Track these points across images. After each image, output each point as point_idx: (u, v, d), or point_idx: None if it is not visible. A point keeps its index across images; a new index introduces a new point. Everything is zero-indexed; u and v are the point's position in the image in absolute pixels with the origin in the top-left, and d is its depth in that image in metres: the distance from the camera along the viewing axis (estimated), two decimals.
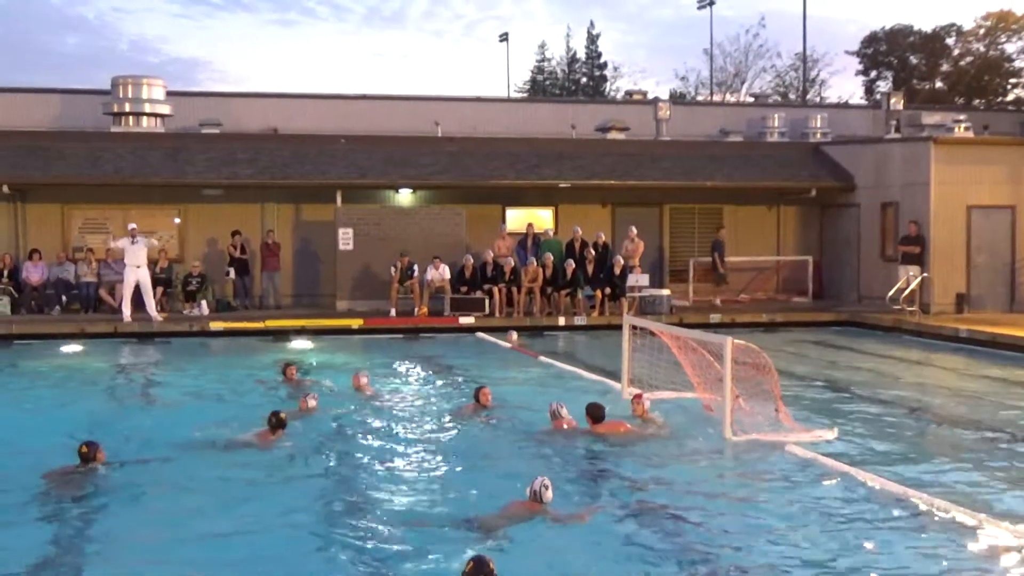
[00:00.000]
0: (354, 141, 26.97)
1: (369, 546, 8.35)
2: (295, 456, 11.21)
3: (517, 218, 26.74)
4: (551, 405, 12.57)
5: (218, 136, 27.13)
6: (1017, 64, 55.88)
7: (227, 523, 8.95)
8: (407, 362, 18.37)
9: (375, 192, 26.12)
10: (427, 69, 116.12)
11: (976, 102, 52.21)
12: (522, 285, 23.65)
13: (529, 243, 24.92)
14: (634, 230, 25.30)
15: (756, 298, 26.25)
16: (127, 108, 27.27)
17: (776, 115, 32.17)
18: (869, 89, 58.78)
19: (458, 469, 10.70)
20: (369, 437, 12.27)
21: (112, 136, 26.49)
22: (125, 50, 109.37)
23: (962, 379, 17.21)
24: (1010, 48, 55.92)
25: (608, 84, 71.93)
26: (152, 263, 23.20)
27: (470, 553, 7.28)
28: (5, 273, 23.47)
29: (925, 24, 68.69)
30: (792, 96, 59.34)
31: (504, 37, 70.93)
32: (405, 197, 26.47)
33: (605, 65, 73.20)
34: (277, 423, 11.80)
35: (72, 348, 19.92)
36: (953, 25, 57.41)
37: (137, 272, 22.16)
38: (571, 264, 23.73)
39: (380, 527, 8.80)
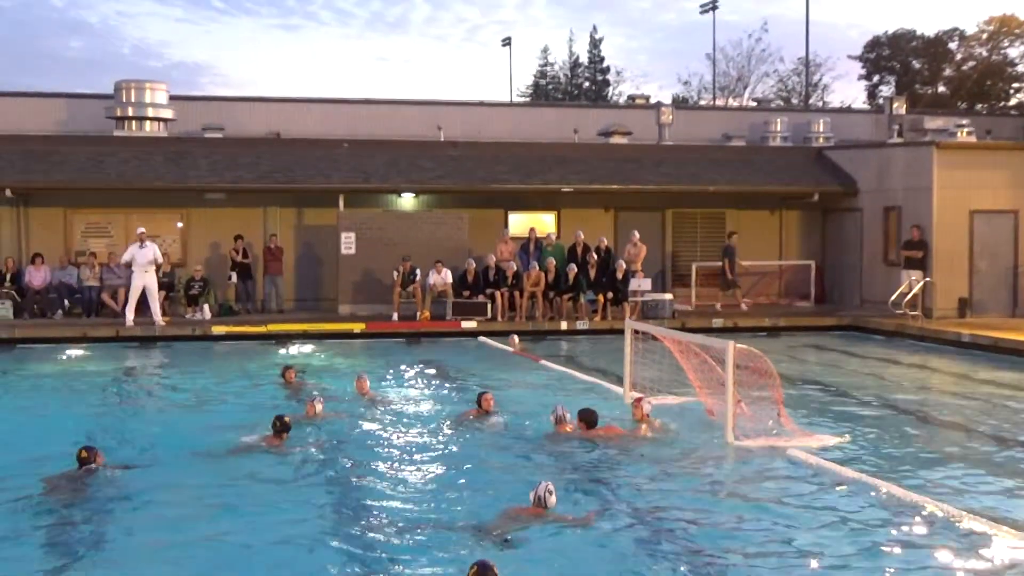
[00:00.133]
0: (357, 145, 26.99)
1: (372, 551, 8.34)
2: (298, 460, 11.21)
3: (519, 222, 26.73)
4: (556, 409, 12.57)
5: (221, 140, 27.14)
6: (1020, 69, 55.84)
7: (229, 527, 8.94)
8: (409, 366, 18.36)
9: (377, 196, 26.13)
10: (430, 74, 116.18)
11: (979, 107, 52.18)
12: (524, 289, 23.64)
13: (531, 247, 24.91)
14: (636, 234, 25.29)
15: (758, 302, 26.21)
16: (130, 112, 27.32)
17: (779, 119, 32.18)
18: (872, 94, 58.75)
19: (461, 474, 10.69)
20: (371, 441, 12.27)
21: (115, 140, 26.52)
22: (128, 54, 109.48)
23: (964, 384, 17.18)
24: (1013, 53, 55.90)
25: (611, 88, 71.93)
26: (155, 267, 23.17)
27: (474, 558, 7.27)
28: (8, 277, 23.48)
29: (928, 29, 68.64)
30: (795, 101, 59.32)
31: (507, 42, 70.86)
32: (407, 201, 26.48)
33: (608, 69, 73.17)
34: (281, 427, 11.79)
35: (74, 352, 19.92)
36: (956, 30, 57.39)
37: (144, 276, 22.16)
38: (573, 268, 23.73)
39: (383, 532, 8.80)
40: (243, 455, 11.39)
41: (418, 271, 23.50)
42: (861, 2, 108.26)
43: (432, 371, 17.99)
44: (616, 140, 29.81)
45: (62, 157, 24.96)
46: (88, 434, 12.29)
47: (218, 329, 22.20)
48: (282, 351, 20.44)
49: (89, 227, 25.53)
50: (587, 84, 72.74)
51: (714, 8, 57.24)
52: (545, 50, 75.72)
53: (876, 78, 59.18)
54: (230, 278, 24.65)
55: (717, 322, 23.40)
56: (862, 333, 23.35)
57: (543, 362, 18.51)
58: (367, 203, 25.84)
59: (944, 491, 10.02)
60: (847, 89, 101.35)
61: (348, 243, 24.50)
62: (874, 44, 58.90)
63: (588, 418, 12.11)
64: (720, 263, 25.89)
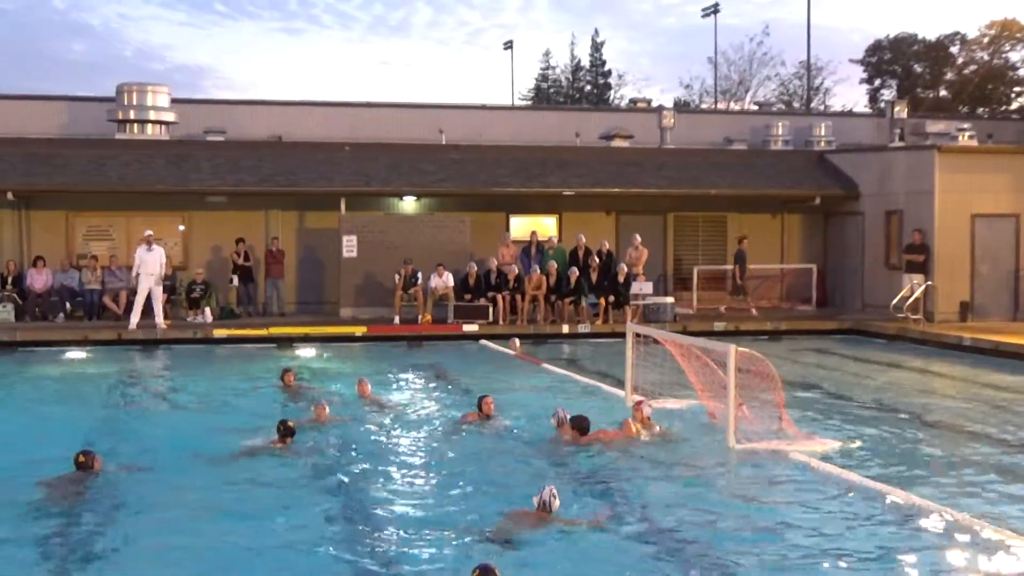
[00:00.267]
0: (358, 149, 27.00)
1: (375, 554, 8.34)
2: (302, 464, 11.20)
3: (521, 226, 26.72)
4: (557, 412, 12.57)
5: (223, 144, 27.15)
6: (1021, 73, 55.83)
7: (231, 531, 8.93)
8: (410, 370, 18.36)
9: (379, 200, 26.14)
10: (432, 77, 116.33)
11: (980, 111, 52.16)
12: (526, 293, 23.64)
13: (533, 251, 24.91)
14: (638, 238, 25.29)
15: (760, 306, 26.20)
16: (132, 115, 27.33)
17: (780, 123, 32.18)
18: (873, 97, 58.75)
19: (463, 477, 10.68)
20: (374, 445, 12.26)
21: (117, 143, 26.53)
22: (130, 57, 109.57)
23: (966, 387, 17.17)
24: (1014, 57, 55.90)
25: (612, 92, 71.98)
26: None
27: (476, 562, 7.28)
28: (9, 280, 23.49)
29: (929, 33, 68.52)
30: (796, 104, 59.32)
31: (508, 45, 70.98)
32: (409, 205, 26.48)
33: (609, 73, 73.23)
34: (286, 431, 11.78)
35: (76, 355, 19.91)
36: (957, 34, 57.39)
37: (151, 280, 22.17)
38: (575, 272, 23.73)
39: (386, 535, 8.79)
40: (247, 459, 11.39)
41: (419, 274, 23.49)
42: (863, 6, 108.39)
43: (433, 374, 17.99)
44: (618, 143, 29.81)
45: (64, 160, 24.97)
46: (90, 437, 12.32)
47: (219, 332, 22.20)
48: (288, 354, 20.42)
49: (91, 230, 25.55)
50: (589, 87, 72.80)
51: (716, 12, 57.34)
52: (547, 53, 75.77)
53: (878, 82, 59.19)
54: (231, 281, 24.65)
55: (719, 325, 23.39)
56: (864, 337, 23.35)
57: (544, 365, 18.51)
58: (369, 206, 25.84)
59: (947, 495, 10.01)
60: (849, 93, 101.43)
61: (350, 246, 24.50)
62: (876, 48, 58.92)
63: (580, 425, 12.07)
64: (732, 267, 25.84)
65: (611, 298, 23.61)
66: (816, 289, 27.36)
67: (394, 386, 16.53)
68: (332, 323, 23.33)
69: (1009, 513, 9.44)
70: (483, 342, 21.93)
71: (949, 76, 57.03)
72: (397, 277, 23.49)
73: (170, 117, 27.72)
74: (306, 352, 20.57)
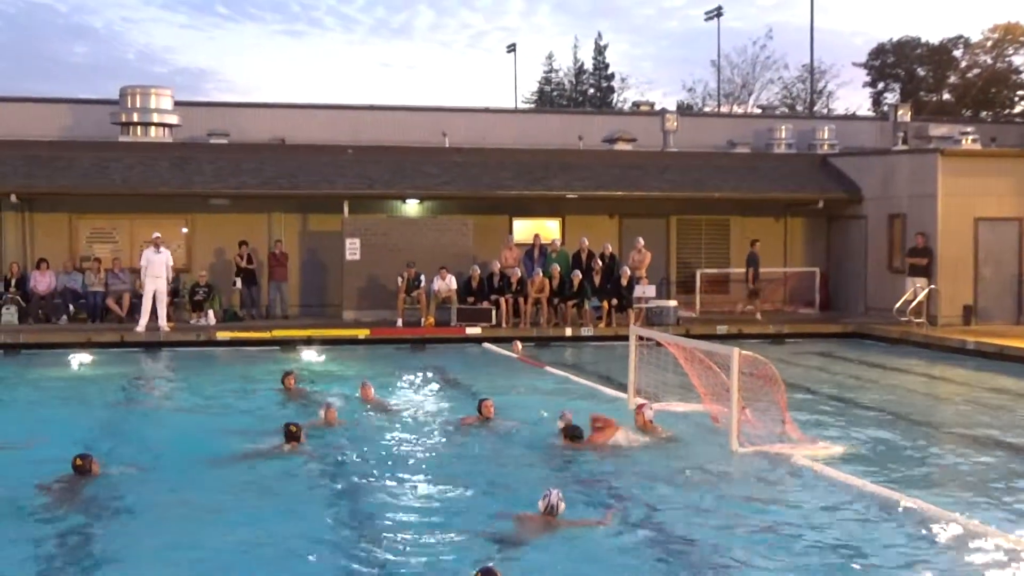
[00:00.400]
0: (361, 151, 27.02)
1: (377, 556, 8.33)
2: (306, 467, 11.19)
3: (524, 229, 26.75)
4: (564, 414, 12.57)
5: (225, 146, 27.19)
6: None
7: (232, 534, 8.91)
8: (413, 372, 18.35)
9: (382, 202, 26.15)
10: (434, 80, 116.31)
11: (983, 114, 52.19)
12: (529, 296, 23.65)
13: (536, 254, 24.93)
14: (641, 241, 25.29)
15: (763, 309, 26.19)
16: (135, 118, 27.38)
17: (783, 126, 32.20)
18: (876, 101, 58.77)
19: (465, 480, 10.66)
20: (377, 448, 12.24)
21: (120, 146, 26.55)
22: (133, 60, 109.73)
23: (969, 391, 17.15)
24: (1017, 60, 55.96)
25: (615, 95, 71.98)
26: None
27: (479, 565, 7.27)
28: (13, 282, 23.50)
29: (932, 36, 68.54)
30: (799, 108, 59.32)
31: (511, 48, 70.99)
32: (412, 207, 26.49)
33: (612, 76, 73.26)
34: (291, 434, 11.77)
35: (79, 358, 19.92)
36: (960, 37, 57.43)
37: (157, 282, 22.19)
38: (578, 275, 23.74)
39: (388, 538, 8.78)
40: (252, 461, 11.37)
41: (423, 277, 23.51)
42: (866, 10, 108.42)
43: (436, 377, 17.98)
44: (621, 147, 29.82)
45: (67, 163, 25.00)
46: (92, 439, 12.32)
47: (223, 335, 22.21)
48: (291, 356, 20.41)
49: (94, 232, 25.58)
50: (592, 91, 72.82)
51: (719, 15, 57.34)
52: (550, 57, 75.82)
53: (881, 85, 59.22)
54: (235, 284, 24.67)
55: (722, 329, 23.39)
56: (867, 340, 23.34)
57: (547, 368, 18.51)
58: (372, 209, 25.86)
59: (950, 499, 9.99)
60: (852, 96, 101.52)
61: (353, 249, 24.52)
62: (879, 51, 58.94)
63: (572, 433, 12.01)
64: (745, 270, 25.79)
65: (614, 301, 23.61)
66: (819, 292, 27.36)
67: (397, 389, 16.54)
68: (335, 326, 23.34)
69: (1013, 517, 9.42)
70: (485, 345, 21.93)
71: (952, 80, 57.05)
72: (400, 280, 23.49)
73: (173, 120, 27.76)
74: (309, 355, 20.55)
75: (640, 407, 12.98)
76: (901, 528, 9.11)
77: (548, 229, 26.82)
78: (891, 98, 56.21)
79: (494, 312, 23.22)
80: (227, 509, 9.65)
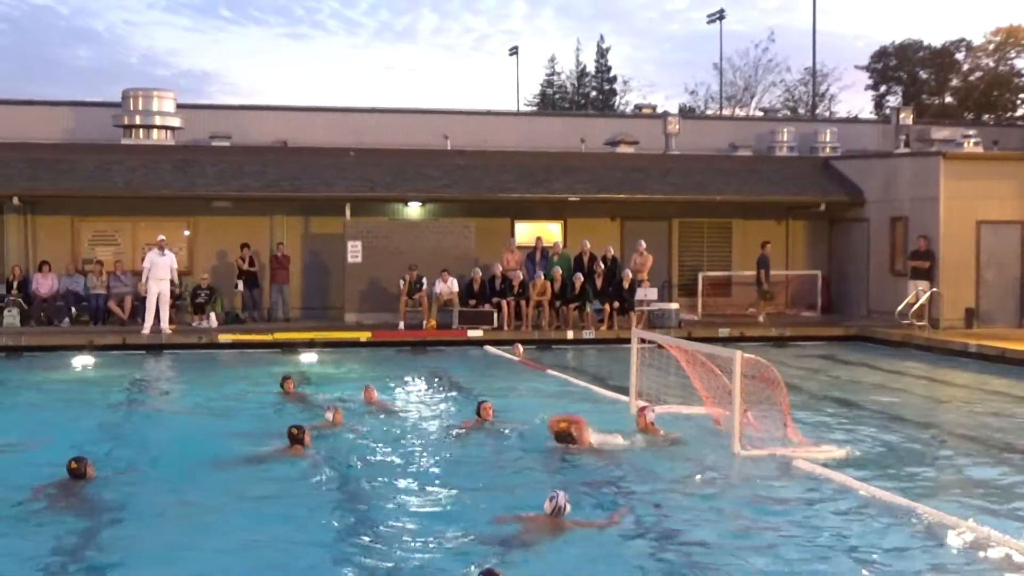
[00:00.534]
0: (363, 154, 27.03)
1: (380, 559, 8.32)
2: (309, 469, 11.18)
3: (526, 231, 26.77)
4: (555, 417, 12.55)
5: (228, 149, 27.21)
6: None
7: (233, 537, 8.91)
8: (415, 375, 18.35)
9: (384, 205, 26.16)
10: (437, 83, 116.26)
11: (986, 117, 52.15)
12: (531, 298, 23.65)
13: (538, 256, 24.93)
14: (643, 244, 25.29)
15: (766, 312, 26.15)
16: (137, 121, 27.40)
17: (785, 129, 32.20)
18: (879, 104, 58.74)
19: (467, 482, 10.65)
20: (380, 450, 12.23)
21: (122, 148, 26.58)
22: (135, 63, 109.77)
23: (971, 394, 17.14)
24: (1020, 63, 55.91)
25: (618, 98, 71.94)
26: None
27: (481, 566, 7.27)
28: (15, 285, 23.52)
29: (935, 39, 68.65)
30: (801, 110, 59.28)
31: (514, 51, 70.99)
32: (414, 210, 26.50)
33: (615, 79, 73.20)
34: (293, 438, 11.75)
35: (81, 360, 19.93)
36: (963, 40, 57.39)
37: (160, 285, 22.21)
38: (580, 278, 23.73)
39: (391, 541, 8.76)
40: (254, 464, 11.36)
41: (424, 280, 23.52)
42: (868, 12, 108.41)
43: (437, 380, 17.98)
44: (623, 149, 29.82)
45: (69, 165, 25.02)
46: (93, 442, 12.31)
47: (224, 337, 22.23)
48: (293, 359, 20.40)
49: (96, 235, 25.61)
50: (594, 93, 72.78)
51: (721, 18, 57.32)
52: (552, 59, 75.77)
53: (883, 88, 59.19)
54: (237, 286, 24.68)
55: (723, 331, 23.38)
56: (869, 343, 23.33)
57: (549, 371, 18.50)
58: (373, 212, 25.87)
59: (952, 502, 9.98)
60: (854, 99, 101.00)
61: (354, 252, 24.53)
62: (881, 54, 58.92)
63: (563, 439, 11.99)
64: (756, 272, 25.76)
65: (616, 304, 23.62)
66: (821, 295, 27.35)
67: (398, 391, 16.53)
68: (337, 328, 23.36)
69: (1015, 521, 9.41)
70: (487, 348, 21.93)
71: (954, 83, 57.03)
72: (402, 282, 23.51)
73: (176, 122, 27.78)
74: (309, 358, 20.55)
75: (642, 409, 12.97)
76: (903, 531, 9.09)
77: (550, 232, 26.82)
78: (893, 101, 56.22)
79: (496, 315, 23.22)
80: (228, 512, 9.64)
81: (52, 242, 25.08)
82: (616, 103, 70.71)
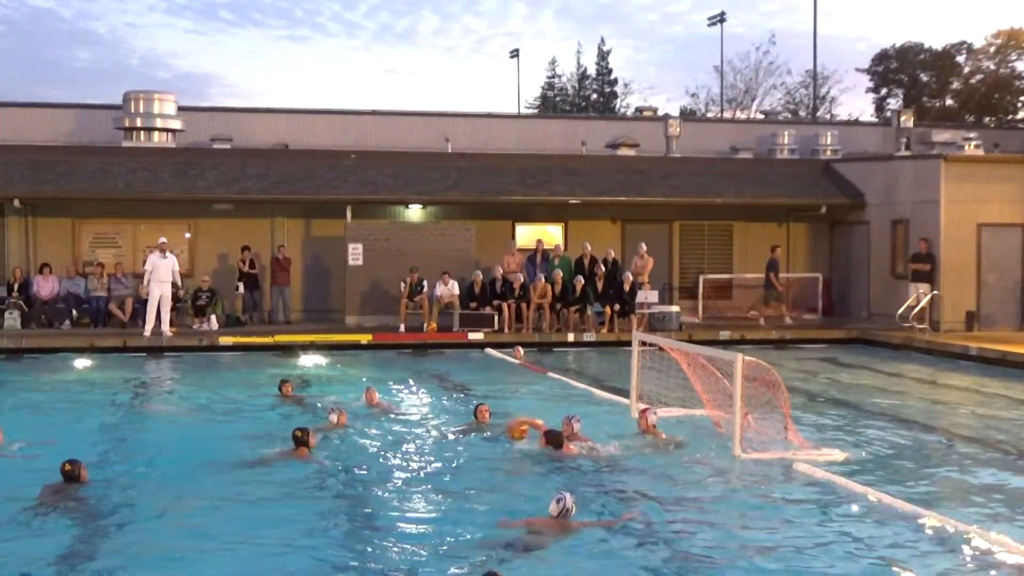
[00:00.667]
0: (364, 157, 27.04)
1: (383, 562, 8.31)
2: (309, 472, 11.16)
3: (527, 234, 26.77)
4: (573, 422, 12.55)
5: (229, 151, 27.21)
6: None
7: (233, 541, 8.89)
8: (415, 378, 18.35)
9: (385, 208, 26.16)
10: (438, 85, 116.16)
11: (986, 120, 52.15)
12: (531, 301, 23.65)
13: (538, 259, 24.93)
14: (643, 246, 25.28)
15: (767, 315, 26.16)
16: (138, 123, 27.41)
17: (786, 132, 32.20)
18: (879, 106, 58.73)
19: (469, 485, 10.64)
20: (381, 453, 12.21)
21: (123, 151, 26.59)
22: (136, 65, 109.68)
23: (972, 397, 17.14)
24: (1021, 66, 55.84)
25: (618, 100, 71.95)
26: None
27: (483, 568, 7.26)
28: (16, 287, 23.53)
29: (935, 42, 68.67)
30: (802, 113, 59.31)
31: (515, 53, 70.97)
32: (415, 213, 26.51)
33: (615, 82, 73.20)
34: (297, 440, 11.73)
35: (82, 363, 19.94)
36: (964, 43, 57.37)
37: (162, 287, 22.20)
38: (580, 280, 23.73)
39: (394, 544, 8.76)
40: (256, 466, 11.34)
41: (425, 282, 23.52)
42: (869, 15, 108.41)
43: (438, 383, 17.97)
44: (624, 152, 29.83)
45: (70, 167, 25.03)
46: (94, 444, 12.32)
47: (225, 340, 22.23)
48: (294, 362, 20.40)
49: (97, 237, 25.62)
50: (595, 96, 72.77)
51: (722, 21, 57.34)
52: (553, 62, 75.81)
53: (884, 91, 59.18)
54: (237, 289, 24.68)
55: (724, 334, 23.38)
56: (869, 346, 23.32)
57: (549, 374, 18.50)
58: (374, 214, 25.88)
59: (953, 505, 9.98)
60: (855, 102, 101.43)
61: (355, 254, 24.53)
62: (882, 57, 58.91)
63: (554, 440, 11.95)
64: (765, 275, 25.72)
65: (616, 307, 23.62)
66: (822, 298, 27.35)
67: (399, 394, 16.52)
68: (337, 331, 23.35)
69: (1016, 522, 9.40)
70: (488, 350, 21.93)
71: (955, 85, 57.00)
72: (403, 285, 23.51)
73: (176, 125, 27.79)
74: (310, 360, 20.55)
75: (643, 412, 12.97)
76: (904, 534, 9.08)
77: (551, 234, 26.82)
78: (894, 104, 56.20)
79: (496, 317, 23.22)
80: (230, 514, 9.62)
81: (53, 244, 25.08)
82: (617, 106, 70.73)
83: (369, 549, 8.65)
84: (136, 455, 12.10)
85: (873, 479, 10.94)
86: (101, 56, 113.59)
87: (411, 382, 17.84)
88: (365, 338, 22.66)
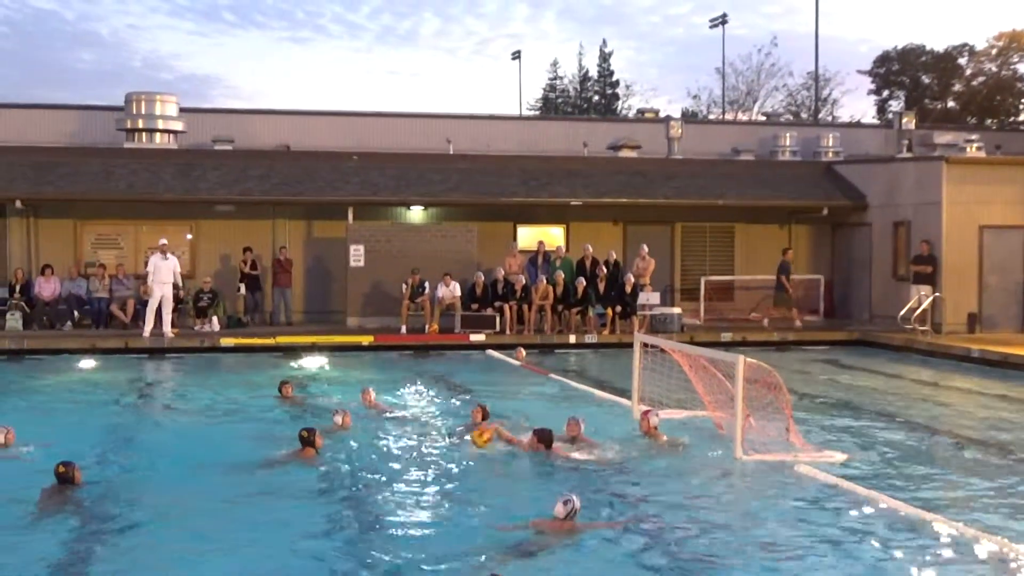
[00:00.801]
0: (366, 158, 27.04)
1: (385, 564, 8.31)
2: (311, 474, 11.16)
3: (528, 235, 26.75)
4: (580, 423, 12.53)
5: (230, 153, 27.22)
6: None
7: (233, 543, 8.90)
8: (417, 379, 18.34)
9: (386, 209, 26.16)
10: (439, 87, 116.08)
11: (988, 122, 52.11)
12: (533, 303, 23.65)
13: (540, 260, 24.92)
14: (645, 248, 25.27)
15: (769, 316, 26.15)
16: (140, 124, 27.42)
17: (788, 134, 32.19)
18: (881, 108, 58.69)
19: (471, 486, 10.66)
20: (382, 455, 12.23)
21: (125, 152, 26.60)
22: (139, 67, 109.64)
23: (974, 399, 17.13)
24: (1022, 68, 55.84)
25: (620, 102, 71.91)
26: None
27: (486, 571, 7.26)
28: (18, 288, 23.53)
29: (937, 44, 68.62)
30: (804, 115, 59.28)
31: (516, 55, 70.92)
32: (416, 214, 26.51)
33: (617, 83, 73.17)
34: (304, 440, 11.72)
35: (84, 364, 19.94)
36: (965, 45, 57.33)
37: (163, 288, 22.20)
38: (582, 282, 23.73)
39: (397, 544, 8.76)
40: (264, 468, 11.33)
41: (427, 284, 23.51)
42: (871, 17, 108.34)
43: (439, 384, 17.97)
44: (625, 154, 29.82)
45: (72, 169, 25.04)
46: (95, 446, 12.33)
47: (226, 341, 22.22)
48: (295, 363, 20.40)
49: (99, 239, 25.61)
50: (596, 98, 72.75)
51: (724, 23, 57.34)
52: (555, 63, 75.72)
53: (886, 93, 59.14)
54: (239, 290, 24.68)
55: (726, 336, 23.38)
56: (871, 348, 23.31)
57: (551, 375, 18.50)
58: (376, 216, 25.88)
59: (954, 508, 9.98)
60: (857, 104, 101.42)
61: (357, 255, 24.53)
62: (884, 59, 58.88)
63: (545, 438, 11.91)
64: (776, 278, 25.67)
65: (618, 308, 23.62)
66: (824, 300, 27.33)
67: (400, 396, 16.51)
68: (339, 332, 23.34)
69: (1018, 526, 9.40)
70: (489, 352, 21.92)
71: (957, 87, 56.97)
72: (404, 286, 23.50)
73: (178, 126, 27.80)
74: (312, 362, 20.56)
75: (645, 414, 12.97)
76: (906, 536, 9.08)
77: (552, 236, 26.80)
78: (896, 106, 56.15)
79: (498, 319, 23.22)
80: (230, 516, 9.63)
81: (55, 245, 25.09)
82: (618, 107, 70.71)
83: (370, 551, 8.65)
84: (137, 456, 12.12)
85: (874, 481, 10.94)
86: (103, 57, 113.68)
87: (412, 384, 17.83)
88: (366, 339, 22.66)
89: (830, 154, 31.27)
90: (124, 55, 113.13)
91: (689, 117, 53.35)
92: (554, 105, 72.79)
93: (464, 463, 11.79)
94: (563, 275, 23.98)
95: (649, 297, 24.07)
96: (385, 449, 12.52)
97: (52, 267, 23.92)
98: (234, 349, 21.95)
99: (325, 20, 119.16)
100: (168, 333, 22.24)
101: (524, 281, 23.95)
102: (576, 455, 11.86)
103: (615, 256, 25.08)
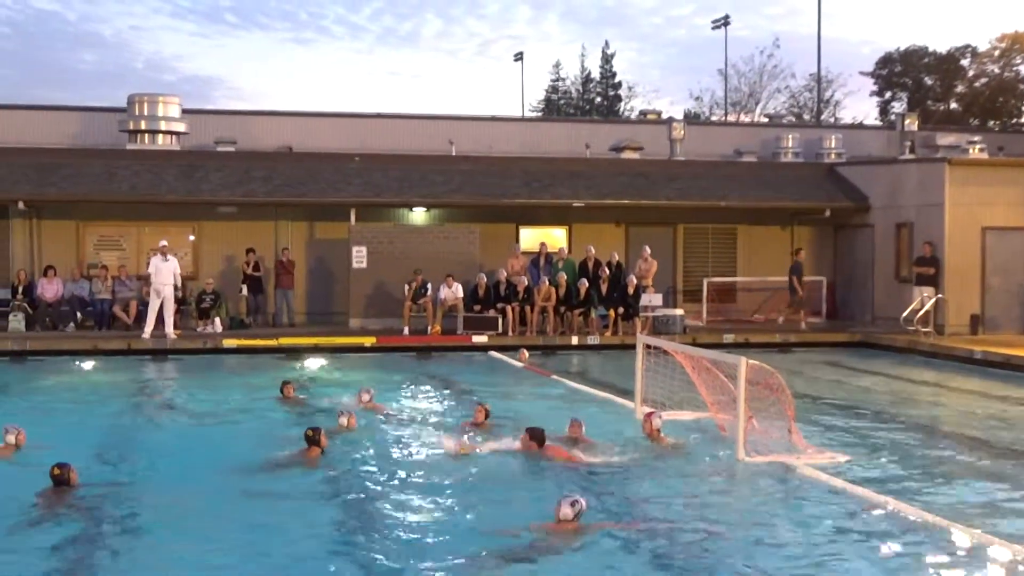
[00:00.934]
0: (368, 159, 27.05)
1: (387, 566, 8.30)
2: (316, 475, 11.15)
3: (531, 237, 26.74)
4: (581, 425, 12.51)
5: (233, 154, 27.23)
6: None
7: (234, 543, 8.89)
8: (419, 381, 18.34)
9: (389, 210, 26.18)
10: (441, 88, 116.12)
11: (991, 123, 52.10)
12: (535, 304, 23.65)
13: (542, 262, 24.91)
14: (647, 250, 25.27)
15: (770, 318, 26.17)
16: (143, 126, 27.43)
17: (790, 135, 32.17)
18: (884, 110, 58.68)
19: (471, 488, 10.64)
20: (381, 456, 12.20)
21: (127, 153, 26.62)
22: (141, 68, 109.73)
23: (976, 401, 17.11)
24: None
25: (622, 104, 71.96)
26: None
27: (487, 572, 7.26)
28: (20, 289, 23.55)
29: (940, 45, 68.51)
30: (806, 117, 59.27)
31: (519, 56, 70.99)
32: (419, 215, 26.53)
33: (619, 85, 73.21)
34: (311, 440, 11.70)
35: (86, 365, 19.95)
36: (968, 46, 57.32)
37: (164, 290, 22.21)
38: (584, 283, 23.73)
39: (398, 547, 8.75)
40: (267, 469, 11.32)
41: (429, 285, 23.51)
42: (873, 19, 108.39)
43: (441, 385, 17.96)
44: (628, 155, 29.82)
45: (75, 170, 25.06)
46: (97, 447, 12.33)
47: (229, 342, 22.22)
48: (297, 364, 20.40)
49: (101, 240, 25.64)
50: (599, 99, 72.78)
51: (726, 24, 57.40)
52: (557, 65, 75.87)
53: (888, 94, 59.14)
54: (241, 291, 24.69)
55: (728, 337, 23.37)
56: (873, 349, 23.29)
57: (553, 377, 18.49)
58: (378, 217, 25.89)
59: (956, 509, 9.96)
60: (859, 105, 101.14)
61: (359, 257, 24.53)
62: (886, 60, 58.87)
63: (538, 437, 11.87)
64: (789, 279, 25.66)
65: (620, 310, 23.61)
66: (826, 301, 27.31)
67: (402, 397, 16.51)
68: (341, 334, 23.34)
69: (1019, 527, 9.39)
70: (492, 353, 21.91)
71: (960, 89, 56.96)
72: (406, 288, 23.50)
73: (181, 127, 27.81)
74: (314, 363, 20.56)
75: (648, 415, 12.95)
76: (907, 537, 9.07)
77: (554, 237, 26.81)
78: (898, 107, 56.13)
79: (500, 320, 23.22)
80: (231, 517, 9.60)
81: (57, 247, 25.11)
82: (621, 109, 70.74)
83: (372, 552, 8.64)
84: (139, 457, 12.11)
85: (876, 483, 10.92)
86: (106, 59, 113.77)
87: (415, 385, 17.84)
88: (369, 341, 22.65)
89: (832, 156, 31.25)
90: (126, 56, 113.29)
91: (691, 119, 53.40)
92: (556, 107, 72.82)
93: (464, 463, 11.77)
94: (565, 276, 23.98)
95: (651, 299, 24.07)
96: (388, 450, 12.51)
97: (55, 268, 23.94)
98: (236, 350, 21.94)
99: (327, 21, 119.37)
100: (171, 334, 22.25)
101: (526, 282, 23.96)
102: (576, 455, 11.85)
103: (617, 257, 25.08)
